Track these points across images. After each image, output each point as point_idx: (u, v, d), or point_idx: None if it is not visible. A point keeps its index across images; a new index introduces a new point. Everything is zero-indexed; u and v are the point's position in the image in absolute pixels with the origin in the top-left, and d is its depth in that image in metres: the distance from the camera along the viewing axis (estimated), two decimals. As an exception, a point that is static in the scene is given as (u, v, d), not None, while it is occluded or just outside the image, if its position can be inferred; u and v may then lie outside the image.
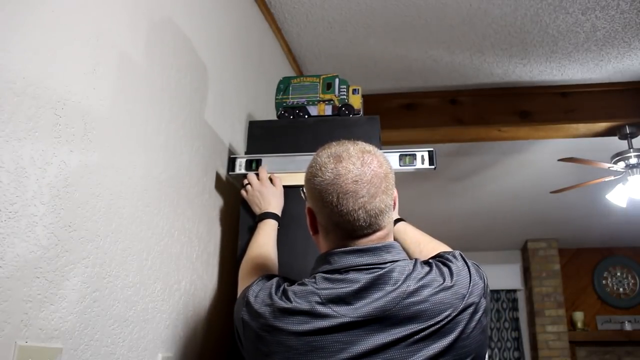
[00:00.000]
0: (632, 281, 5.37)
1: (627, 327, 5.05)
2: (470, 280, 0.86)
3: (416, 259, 0.90)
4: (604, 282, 5.39)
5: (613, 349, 5.06)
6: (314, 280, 0.87)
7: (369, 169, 0.87)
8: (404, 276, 0.84)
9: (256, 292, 0.91)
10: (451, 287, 0.84)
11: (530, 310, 5.21)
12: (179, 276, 1.25)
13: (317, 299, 0.83)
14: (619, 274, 5.41)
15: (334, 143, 0.93)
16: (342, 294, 0.83)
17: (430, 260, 0.91)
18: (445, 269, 0.87)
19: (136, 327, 1.06)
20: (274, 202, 1.35)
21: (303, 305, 0.83)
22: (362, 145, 0.91)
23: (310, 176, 0.92)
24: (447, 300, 0.82)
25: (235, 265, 1.39)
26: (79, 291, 0.90)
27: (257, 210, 1.35)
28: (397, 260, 0.87)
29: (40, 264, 0.81)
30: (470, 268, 0.89)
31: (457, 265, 0.88)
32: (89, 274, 0.92)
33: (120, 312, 1.01)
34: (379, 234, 0.89)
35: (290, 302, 0.84)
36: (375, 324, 0.80)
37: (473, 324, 0.83)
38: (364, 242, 0.88)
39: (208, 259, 1.42)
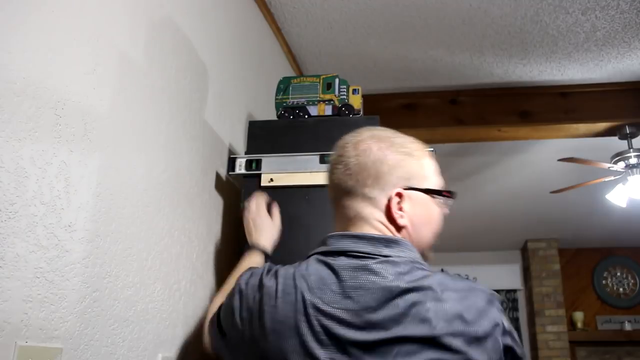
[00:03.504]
0: (632, 281, 5.37)
1: (627, 327, 5.05)
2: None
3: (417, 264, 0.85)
4: (603, 282, 5.39)
5: (613, 349, 5.06)
6: (306, 263, 0.88)
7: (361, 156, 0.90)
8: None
9: (247, 280, 0.92)
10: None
11: (530, 310, 5.21)
12: (179, 276, 1.25)
13: None
14: (618, 274, 5.41)
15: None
16: None
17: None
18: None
19: (136, 327, 1.06)
20: (265, 235, 1.27)
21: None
22: (375, 131, 0.94)
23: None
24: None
25: (234, 265, 1.39)
26: (79, 291, 0.90)
27: (248, 239, 1.29)
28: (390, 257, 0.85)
29: (40, 264, 0.81)
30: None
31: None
32: (89, 274, 0.92)
33: (120, 312, 1.01)
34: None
35: (277, 282, 0.85)
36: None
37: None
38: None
39: (208, 259, 1.42)
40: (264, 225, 1.29)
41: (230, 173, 1.48)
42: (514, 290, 5.41)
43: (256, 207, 1.32)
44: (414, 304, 0.75)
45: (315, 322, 0.78)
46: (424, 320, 0.74)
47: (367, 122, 1.49)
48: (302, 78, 1.60)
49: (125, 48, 1.07)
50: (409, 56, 2.42)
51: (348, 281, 0.80)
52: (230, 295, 0.95)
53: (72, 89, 0.91)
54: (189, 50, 1.36)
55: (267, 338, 0.81)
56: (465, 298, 0.77)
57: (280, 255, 1.36)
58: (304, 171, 1.41)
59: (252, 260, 1.20)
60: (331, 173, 0.94)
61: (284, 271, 0.88)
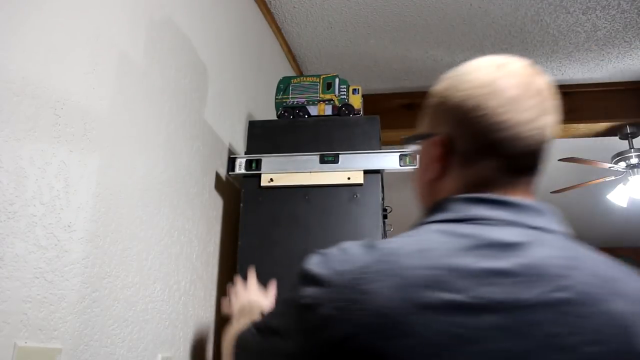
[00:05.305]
0: (633, 281, 5.36)
1: (628, 327, 5.04)
2: None
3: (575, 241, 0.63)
4: (604, 282, 5.38)
5: (614, 349, 5.05)
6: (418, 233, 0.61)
7: (541, 79, 0.65)
8: None
9: (329, 258, 0.59)
10: None
11: (530, 310, 5.20)
12: (178, 276, 1.25)
13: None
14: (619, 274, 5.40)
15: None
16: None
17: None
18: None
19: (136, 328, 1.06)
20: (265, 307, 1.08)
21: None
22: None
23: (456, 82, 0.67)
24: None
25: (235, 265, 1.39)
26: (79, 291, 0.89)
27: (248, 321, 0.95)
28: (552, 230, 0.62)
29: (39, 264, 0.81)
30: None
31: None
32: (88, 274, 0.92)
33: (120, 312, 1.01)
34: (531, 179, 0.65)
35: (389, 257, 0.56)
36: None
37: None
38: (517, 188, 0.63)
39: (208, 259, 1.42)
40: (261, 301, 1.11)
41: (230, 173, 1.48)
42: (515, 291, 5.41)
43: (247, 288, 1.15)
44: None
45: None
46: None
47: (367, 122, 1.49)
48: (302, 78, 1.60)
49: (125, 48, 1.07)
50: (409, 56, 2.42)
51: None
52: None
53: (72, 88, 0.91)
54: (189, 50, 1.36)
55: None
56: None
57: (280, 255, 1.36)
58: (304, 171, 1.41)
59: None
60: None
61: None
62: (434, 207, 0.65)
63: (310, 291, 0.57)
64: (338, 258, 0.58)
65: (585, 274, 0.56)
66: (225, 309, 1.16)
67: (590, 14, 2.08)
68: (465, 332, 0.51)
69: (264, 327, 0.66)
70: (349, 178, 1.39)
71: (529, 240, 0.57)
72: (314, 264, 0.59)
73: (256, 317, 0.90)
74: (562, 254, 0.58)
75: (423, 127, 0.71)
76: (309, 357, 0.55)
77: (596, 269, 0.57)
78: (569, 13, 2.08)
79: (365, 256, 0.56)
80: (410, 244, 0.57)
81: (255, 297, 1.12)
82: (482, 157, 0.63)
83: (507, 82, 0.62)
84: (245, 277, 1.27)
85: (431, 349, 0.50)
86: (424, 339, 0.50)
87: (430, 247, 0.56)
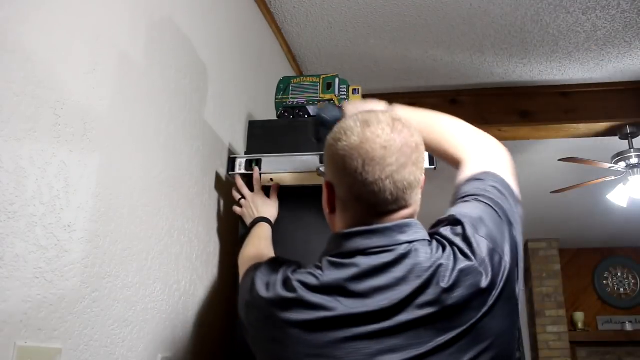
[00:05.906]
0: (633, 281, 5.37)
1: (628, 327, 5.04)
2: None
3: (432, 239, 0.81)
4: (604, 282, 5.39)
5: (614, 350, 5.05)
6: (319, 266, 0.81)
7: (399, 137, 0.80)
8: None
9: (264, 276, 0.87)
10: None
11: (530, 310, 5.20)
12: (179, 276, 1.25)
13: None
14: (619, 274, 5.40)
15: (362, 111, 0.86)
16: None
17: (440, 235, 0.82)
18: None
19: (136, 328, 1.06)
20: (268, 212, 1.34)
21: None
22: (393, 114, 0.85)
23: (333, 141, 0.83)
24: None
25: (235, 265, 1.39)
26: (79, 291, 0.89)
27: (249, 220, 1.33)
28: (413, 241, 0.79)
29: (39, 264, 0.81)
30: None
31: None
32: (88, 274, 0.92)
33: (120, 312, 1.01)
34: (404, 212, 0.82)
35: (296, 291, 0.78)
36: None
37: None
38: (386, 221, 0.81)
39: (208, 259, 1.42)
40: (265, 204, 1.35)
41: (230, 173, 1.48)
42: (515, 291, 5.40)
43: (254, 190, 1.39)
44: None
45: None
46: None
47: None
48: (302, 78, 1.60)
49: (125, 48, 1.07)
50: (409, 56, 2.42)
51: None
52: None
53: (72, 88, 0.91)
54: (189, 50, 1.36)
55: None
56: None
57: (280, 255, 1.35)
58: (304, 171, 1.41)
59: (265, 230, 1.27)
60: None
61: None
62: (331, 240, 0.85)
63: (249, 297, 0.86)
64: (266, 282, 0.84)
65: (436, 268, 0.75)
66: (235, 211, 1.38)
67: (590, 14, 2.08)
68: (342, 334, 0.74)
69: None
70: (349, 178, 1.39)
71: (399, 255, 0.77)
72: (259, 278, 0.86)
73: (260, 212, 1.32)
74: (421, 259, 0.76)
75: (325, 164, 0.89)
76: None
77: (445, 259, 0.76)
78: (569, 13, 2.08)
79: (281, 287, 0.81)
80: (314, 277, 0.79)
81: (259, 200, 1.35)
82: (353, 205, 0.82)
83: (370, 145, 0.78)
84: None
85: (315, 350, 0.74)
86: (308, 345, 0.75)
87: (326, 279, 0.78)
